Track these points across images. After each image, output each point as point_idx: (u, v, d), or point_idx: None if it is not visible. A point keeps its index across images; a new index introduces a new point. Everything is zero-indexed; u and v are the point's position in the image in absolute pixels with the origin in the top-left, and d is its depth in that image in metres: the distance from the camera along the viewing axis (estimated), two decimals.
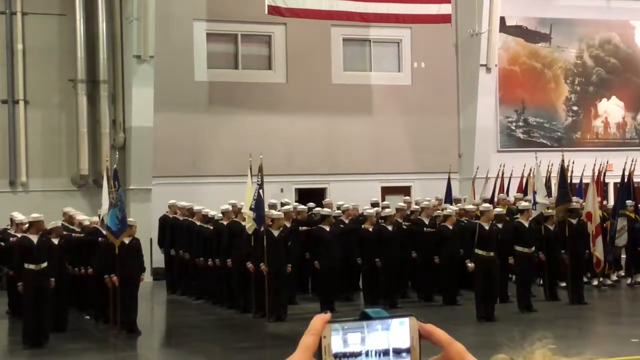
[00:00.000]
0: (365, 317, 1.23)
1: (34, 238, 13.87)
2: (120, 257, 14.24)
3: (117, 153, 20.87)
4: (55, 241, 14.43)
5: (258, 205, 15.59)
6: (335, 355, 1.20)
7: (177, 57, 23.53)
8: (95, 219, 16.74)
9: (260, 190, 15.60)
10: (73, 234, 16.20)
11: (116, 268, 14.23)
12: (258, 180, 15.69)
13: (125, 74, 22.97)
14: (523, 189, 22.34)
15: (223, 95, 24.19)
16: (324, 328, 1.21)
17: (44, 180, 22.68)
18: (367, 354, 1.21)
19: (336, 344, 1.21)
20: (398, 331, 1.23)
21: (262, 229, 15.52)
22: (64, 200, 20.75)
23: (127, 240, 14.45)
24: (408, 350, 1.23)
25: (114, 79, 23.24)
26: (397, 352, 1.23)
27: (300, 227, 18.00)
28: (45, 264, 13.73)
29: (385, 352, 1.22)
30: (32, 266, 13.65)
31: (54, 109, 23.04)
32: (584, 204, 18.70)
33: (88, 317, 16.25)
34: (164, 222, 20.00)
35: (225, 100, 24.15)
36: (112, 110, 23.19)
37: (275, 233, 15.80)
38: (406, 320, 1.24)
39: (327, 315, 1.22)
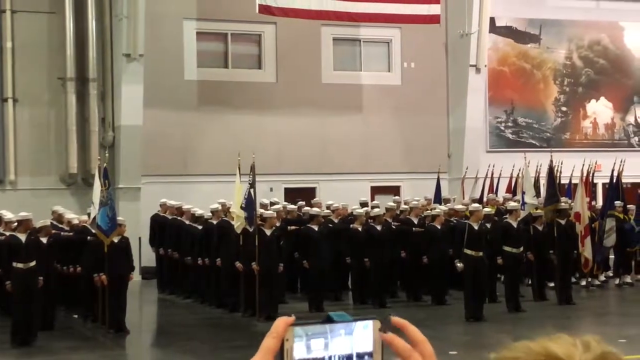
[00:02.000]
0: (329, 320, 1.21)
1: (23, 237, 13.84)
2: (109, 256, 14.22)
3: (106, 151, 20.81)
4: (44, 240, 14.39)
5: (249, 204, 15.58)
6: None
7: (166, 56, 23.50)
8: (84, 217, 16.71)
9: (252, 190, 15.59)
10: (62, 233, 16.16)
11: (105, 267, 14.21)
12: (249, 180, 15.68)
13: (115, 72, 22.93)
14: (512, 189, 22.40)
15: (213, 94, 24.16)
16: (286, 331, 1.19)
17: (33, 179, 22.61)
18: (330, 359, 1.20)
19: (299, 350, 1.19)
20: (361, 335, 1.22)
21: (252, 228, 15.51)
22: (53, 199, 20.69)
23: (116, 239, 14.43)
24: (371, 354, 1.22)
25: (104, 77, 23.18)
26: (360, 356, 1.21)
27: (289, 227, 18.02)
28: (33, 263, 13.70)
29: (349, 357, 1.21)
30: (20, 265, 13.61)
31: (43, 107, 22.97)
32: (572, 204, 18.76)
33: (76, 316, 16.21)
34: (155, 221, 19.98)
35: (215, 99, 24.13)
36: (102, 109, 23.13)
37: (268, 232, 15.80)
38: (370, 323, 1.22)
39: (291, 319, 1.21)
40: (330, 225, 17.92)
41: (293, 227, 18.10)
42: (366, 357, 1.22)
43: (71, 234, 16.26)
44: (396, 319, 1.23)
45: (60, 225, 16.88)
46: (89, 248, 15.05)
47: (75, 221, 16.64)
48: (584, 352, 1.16)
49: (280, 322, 1.21)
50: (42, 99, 22.98)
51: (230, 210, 16.54)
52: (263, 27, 24.70)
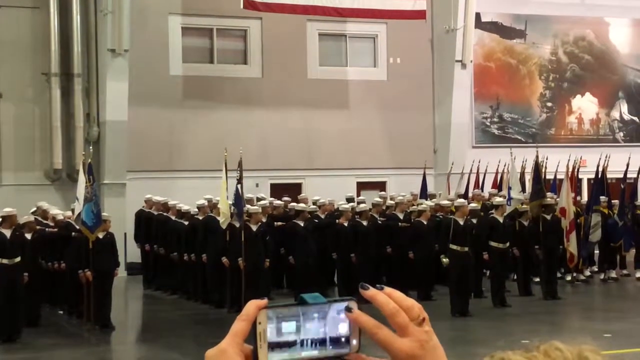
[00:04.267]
0: (302, 302, 1.17)
1: (7, 232, 13.76)
2: (94, 252, 14.16)
3: (91, 147, 20.72)
4: (28, 236, 14.33)
5: (237, 200, 15.57)
6: (269, 345, 1.15)
7: (152, 51, 23.41)
8: (69, 213, 16.63)
9: (239, 185, 15.58)
10: (47, 229, 16.08)
11: (90, 263, 14.15)
12: (237, 176, 15.67)
13: (100, 67, 22.82)
14: (498, 185, 22.45)
15: (198, 90, 24.09)
16: (257, 314, 1.16)
17: (17, 175, 22.49)
18: (302, 343, 1.16)
19: (270, 333, 1.15)
20: (336, 318, 1.17)
21: (240, 224, 15.50)
22: (38, 195, 20.56)
23: (101, 235, 14.38)
24: (347, 338, 1.18)
25: (88, 72, 23.07)
26: (335, 340, 1.17)
27: (275, 223, 18.00)
28: (18, 259, 13.64)
29: (322, 341, 1.17)
30: (5, 261, 13.54)
31: (28, 102, 22.85)
32: (557, 199, 18.81)
33: (61, 312, 16.16)
34: (140, 216, 19.92)
35: (200, 94, 24.07)
36: (86, 104, 23.03)
37: (254, 228, 15.78)
38: (345, 305, 1.18)
39: (263, 302, 1.17)
40: (316, 221, 17.92)
41: (279, 223, 18.08)
42: (342, 340, 1.17)
43: (56, 230, 16.18)
44: (365, 291, 1.17)
45: (45, 221, 16.79)
46: (73, 244, 14.99)
47: (60, 217, 16.56)
48: None
49: (252, 305, 1.17)
50: (27, 94, 22.86)
51: (218, 206, 16.49)
52: (248, 23, 24.64)
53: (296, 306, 1.17)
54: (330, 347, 1.17)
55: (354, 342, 1.18)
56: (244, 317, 1.17)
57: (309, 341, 1.16)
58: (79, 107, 22.78)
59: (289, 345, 1.16)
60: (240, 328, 1.17)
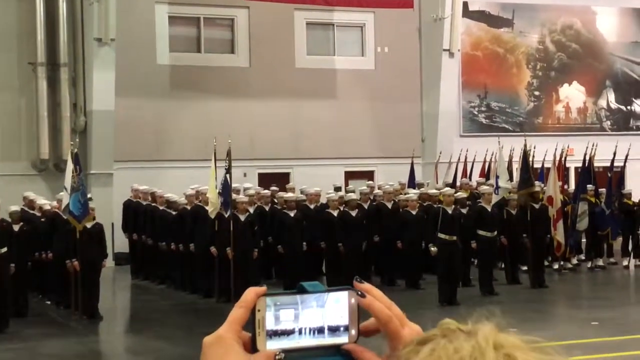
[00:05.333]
0: (302, 290, 1.17)
1: None
2: (81, 242, 14.13)
3: (77, 137, 20.65)
4: (16, 227, 14.27)
5: (225, 189, 15.56)
6: (267, 333, 1.15)
7: (138, 40, 23.31)
8: (56, 203, 16.58)
9: (227, 175, 15.57)
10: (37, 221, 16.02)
11: (77, 253, 14.12)
12: (226, 165, 15.65)
13: (86, 56, 22.70)
14: (485, 174, 22.48)
15: (185, 79, 24.02)
16: (256, 301, 1.15)
17: (4, 165, 22.38)
18: (300, 331, 1.15)
19: (268, 321, 1.15)
20: (335, 307, 1.17)
21: (228, 213, 15.49)
22: (24, 185, 20.49)
23: (89, 225, 14.33)
24: (346, 327, 1.17)
25: (75, 61, 22.95)
26: (333, 329, 1.17)
27: (263, 212, 17.99)
28: (5, 249, 13.59)
29: (320, 330, 1.16)
30: None
31: (14, 92, 22.72)
32: (545, 188, 18.86)
33: (49, 302, 16.12)
34: (128, 206, 19.87)
35: (187, 84, 23.99)
36: (73, 94, 22.91)
37: (242, 217, 15.77)
38: (344, 294, 1.17)
39: (262, 289, 1.16)
40: (304, 210, 17.91)
41: (267, 210, 18.08)
42: (341, 329, 1.17)
43: (43, 220, 16.13)
44: (360, 284, 1.18)
45: (32, 212, 16.73)
46: (60, 234, 14.94)
47: (47, 207, 16.51)
48: None
49: (250, 292, 1.16)
50: (13, 84, 22.72)
51: (207, 195, 16.46)
52: (236, 12, 24.57)
53: (295, 294, 1.17)
54: (329, 335, 1.17)
55: (353, 331, 1.18)
56: (242, 304, 1.16)
57: (307, 329, 1.16)
58: (65, 97, 22.67)
59: (287, 333, 1.15)
60: (238, 315, 1.16)
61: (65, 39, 22.62)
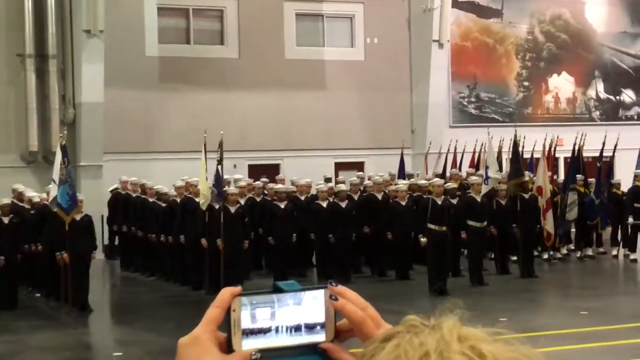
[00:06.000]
0: (277, 289, 1.17)
1: None
2: (71, 234, 14.09)
3: (66, 129, 20.58)
4: (5, 219, 14.23)
5: (217, 181, 15.54)
6: (243, 332, 1.14)
7: (127, 32, 23.23)
8: (45, 195, 16.53)
9: (219, 167, 15.55)
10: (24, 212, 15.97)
11: (66, 245, 14.08)
12: (217, 157, 15.63)
13: (75, 48, 22.61)
14: (475, 164, 22.51)
15: (174, 71, 23.96)
16: (231, 301, 1.15)
17: None
18: (277, 329, 1.15)
19: (244, 320, 1.14)
20: (311, 305, 1.16)
21: (219, 205, 15.47)
22: (13, 177, 20.42)
23: (78, 217, 14.30)
24: (322, 325, 1.17)
25: (63, 53, 22.86)
26: (310, 327, 1.16)
27: (254, 203, 17.98)
28: None
29: (297, 328, 1.16)
30: None
31: (2, 84, 22.62)
32: (534, 178, 18.90)
33: (39, 294, 16.09)
34: (117, 199, 19.83)
35: (176, 75, 23.93)
36: (62, 86, 22.83)
37: (232, 209, 15.76)
38: (320, 292, 1.17)
39: (237, 289, 1.16)
40: (295, 201, 17.91)
41: (258, 202, 18.07)
42: (317, 327, 1.17)
43: (32, 212, 16.08)
44: (334, 288, 1.17)
45: (21, 204, 16.69)
46: (49, 226, 14.90)
47: (36, 199, 16.46)
48: None
49: (226, 292, 1.16)
50: (1, 76, 22.62)
51: (199, 187, 16.43)
52: (225, 3, 24.51)
53: (271, 293, 1.16)
54: (306, 333, 1.16)
55: (329, 330, 1.17)
56: (217, 304, 1.16)
57: (284, 327, 1.15)
58: (54, 89, 22.59)
59: (264, 331, 1.15)
60: (214, 315, 1.15)
61: (54, 30, 22.53)
